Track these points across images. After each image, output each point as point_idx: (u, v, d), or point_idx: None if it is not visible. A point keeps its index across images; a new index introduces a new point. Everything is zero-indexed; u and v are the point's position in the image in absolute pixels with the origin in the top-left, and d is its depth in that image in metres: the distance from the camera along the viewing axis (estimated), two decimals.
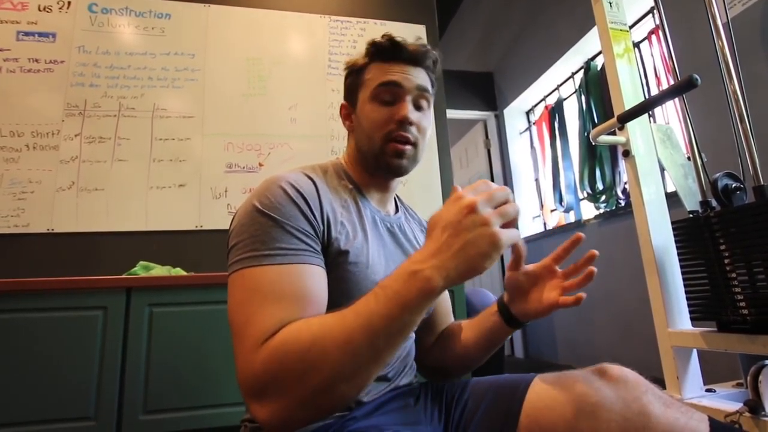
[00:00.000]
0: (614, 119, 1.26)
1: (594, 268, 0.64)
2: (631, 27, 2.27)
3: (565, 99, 3.11)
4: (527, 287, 0.69)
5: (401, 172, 0.70)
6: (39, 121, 1.98)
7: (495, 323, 0.72)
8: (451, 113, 3.45)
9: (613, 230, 2.49)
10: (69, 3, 2.12)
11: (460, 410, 0.66)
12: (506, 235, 0.44)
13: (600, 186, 2.64)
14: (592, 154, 2.69)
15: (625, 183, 2.50)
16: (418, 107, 0.71)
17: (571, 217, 3.01)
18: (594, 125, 2.63)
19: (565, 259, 0.68)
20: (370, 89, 0.70)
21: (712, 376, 1.22)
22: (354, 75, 0.74)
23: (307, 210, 0.59)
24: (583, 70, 2.84)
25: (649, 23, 2.42)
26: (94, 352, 1.42)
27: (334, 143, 2.30)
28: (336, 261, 0.60)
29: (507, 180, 3.62)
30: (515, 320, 0.71)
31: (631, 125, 1.26)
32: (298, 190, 0.60)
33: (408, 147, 0.68)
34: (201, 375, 1.48)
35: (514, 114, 3.67)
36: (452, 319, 0.85)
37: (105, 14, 2.16)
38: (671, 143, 1.25)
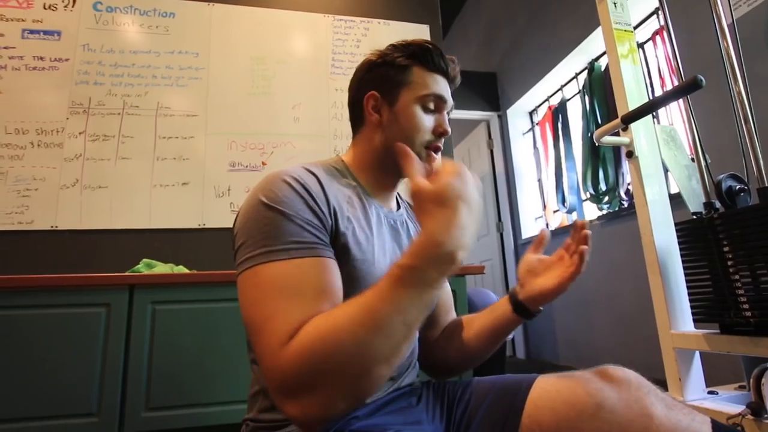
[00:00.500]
0: (618, 120, 1.25)
1: (588, 231, 0.72)
2: (635, 27, 2.27)
3: (568, 99, 3.10)
4: (539, 271, 0.74)
5: None
6: (43, 118, 1.99)
7: (505, 312, 0.74)
8: (454, 113, 3.43)
9: (616, 231, 2.48)
10: (74, 1, 2.13)
11: (461, 410, 0.66)
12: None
13: (603, 187, 2.63)
14: (595, 154, 2.69)
15: (629, 184, 2.49)
16: None
17: (574, 218, 3.01)
18: (597, 126, 2.62)
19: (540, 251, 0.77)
20: (419, 94, 0.70)
21: (714, 378, 1.21)
22: (393, 70, 0.72)
23: (314, 203, 0.59)
24: (586, 71, 2.83)
25: (653, 24, 2.41)
26: (96, 349, 1.43)
27: (336, 142, 2.30)
28: (343, 256, 0.60)
29: (510, 180, 3.61)
30: (525, 309, 0.72)
31: (635, 126, 1.25)
32: (302, 185, 0.60)
33: (439, 156, 0.73)
34: (203, 373, 1.48)
35: (518, 114, 3.66)
36: (454, 315, 0.85)
37: (110, 13, 2.17)
38: (675, 144, 1.25)
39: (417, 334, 0.51)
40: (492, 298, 1.85)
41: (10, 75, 1.99)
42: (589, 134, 2.71)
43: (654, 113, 1.26)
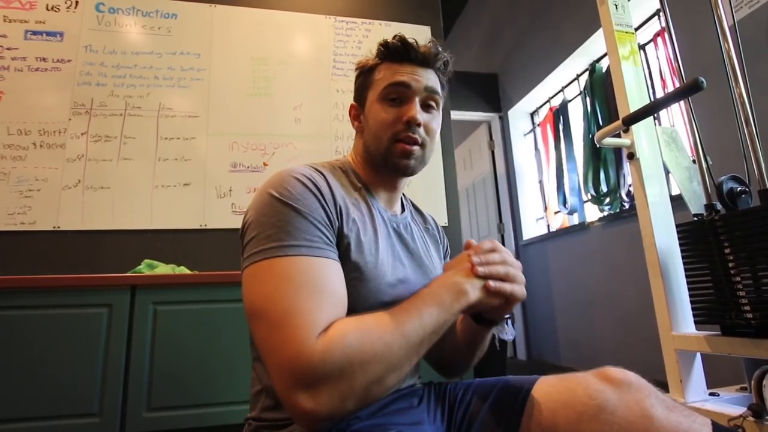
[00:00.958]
0: (619, 122, 1.25)
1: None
2: (636, 29, 2.27)
3: (569, 101, 3.10)
4: None
5: (408, 172, 0.71)
6: (46, 119, 2.00)
7: (468, 322, 0.72)
8: (456, 114, 3.45)
9: (617, 233, 2.48)
10: (76, 3, 2.14)
11: (462, 411, 0.66)
12: (522, 289, 0.62)
13: (604, 188, 2.63)
14: (596, 156, 2.68)
15: (630, 185, 2.49)
16: (426, 108, 0.71)
17: (575, 219, 3.01)
18: (599, 127, 2.62)
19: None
20: (379, 89, 0.70)
21: (715, 379, 1.21)
22: (364, 75, 0.74)
23: (324, 202, 0.59)
24: (588, 72, 2.83)
25: (654, 25, 2.41)
26: (98, 349, 1.43)
27: (338, 143, 2.31)
28: (346, 257, 0.61)
29: (511, 181, 3.61)
30: (480, 317, 0.69)
31: (636, 128, 1.25)
32: (313, 182, 0.60)
33: (415, 147, 0.68)
34: (204, 373, 1.48)
35: (519, 115, 3.66)
36: None
37: (112, 14, 2.17)
38: (676, 146, 1.25)
39: (425, 351, 0.55)
40: None
41: (12, 76, 2.00)
42: (591, 136, 2.71)
43: (655, 115, 1.26)
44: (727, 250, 0.97)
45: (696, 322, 1.12)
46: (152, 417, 1.42)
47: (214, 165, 2.13)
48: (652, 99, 1.22)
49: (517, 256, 3.50)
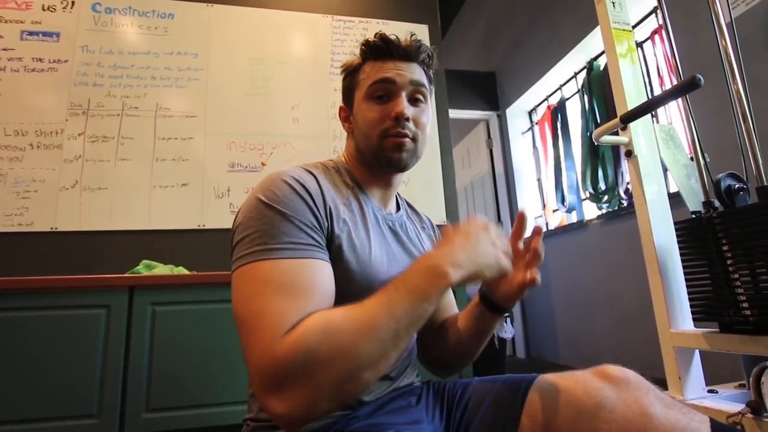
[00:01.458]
0: (617, 119, 1.26)
1: (538, 234, 0.67)
2: (634, 27, 2.27)
3: (567, 99, 3.10)
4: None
5: (402, 166, 0.70)
6: (43, 120, 1.99)
7: (480, 311, 0.73)
8: (454, 113, 3.45)
9: (616, 230, 2.49)
10: (73, 3, 2.13)
11: (461, 410, 0.66)
12: (507, 260, 0.59)
13: (602, 186, 2.63)
14: (594, 154, 2.69)
15: (628, 183, 2.49)
16: (414, 102, 0.70)
17: (573, 218, 3.01)
18: (597, 125, 2.63)
19: (522, 237, 0.70)
20: (365, 88, 0.70)
21: (714, 377, 1.22)
22: (350, 76, 0.75)
23: (313, 204, 0.59)
24: (585, 70, 2.84)
25: (652, 23, 2.41)
26: (97, 350, 1.43)
27: (336, 143, 2.30)
28: (338, 257, 0.60)
29: (509, 180, 3.61)
30: (496, 306, 0.71)
31: (634, 125, 1.25)
32: (302, 185, 0.60)
33: (407, 140, 0.68)
34: (203, 374, 1.48)
35: (517, 114, 3.66)
36: (455, 311, 0.85)
37: (108, 14, 2.17)
38: (674, 143, 1.25)
39: (409, 343, 0.53)
40: None
41: (9, 76, 1.99)
42: (588, 133, 2.72)
43: (653, 112, 1.26)
44: (725, 248, 0.97)
45: (694, 320, 1.12)
46: (151, 417, 1.42)
47: (212, 165, 2.13)
48: (650, 97, 1.22)
49: None
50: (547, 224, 3.34)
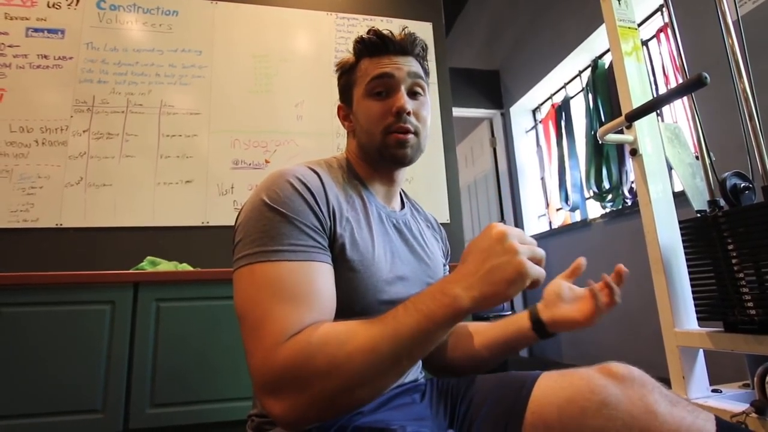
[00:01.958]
0: (622, 118, 1.25)
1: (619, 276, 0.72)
2: (639, 25, 2.26)
3: (572, 97, 3.09)
4: (567, 299, 0.72)
5: (406, 161, 0.70)
6: (48, 116, 2.00)
7: (522, 328, 0.73)
8: (457, 111, 3.44)
9: (620, 229, 2.48)
10: (78, 0, 2.14)
11: (465, 406, 0.66)
12: (533, 267, 0.47)
13: (606, 185, 2.62)
14: (598, 152, 2.68)
15: (632, 182, 2.48)
16: (413, 96, 0.70)
17: (577, 216, 3.00)
18: (601, 124, 2.62)
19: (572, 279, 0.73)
20: (363, 85, 0.70)
21: (718, 376, 1.21)
22: (346, 75, 0.74)
23: (315, 205, 0.59)
24: (590, 68, 2.82)
25: (657, 21, 2.40)
26: (101, 346, 1.44)
27: (340, 140, 2.31)
28: (340, 256, 0.61)
29: (513, 178, 3.61)
30: (545, 329, 0.71)
31: (639, 124, 1.25)
32: (305, 185, 0.60)
33: (409, 135, 0.68)
34: (207, 370, 1.49)
35: (521, 112, 3.65)
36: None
37: (113, 11, 2.17)
38: (679, 142, 1.24)
39: (408, 368, 0.51)
40: None
41: (14, 73, 2.00)
42: (593, 132, 2.70)
43: (658, 111, 1.26)
44: (730, 247, 0.97)
45: (699, 319, 1.12)
46: (155, 413, 1.43)
47: (216, 162, 2.13)
48: (655, 95, 1.21)
49: None
50: (550, 223, 3.34)
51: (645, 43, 2.42)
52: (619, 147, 2.54)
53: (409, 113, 0.68)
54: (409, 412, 0.63)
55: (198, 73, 2.20)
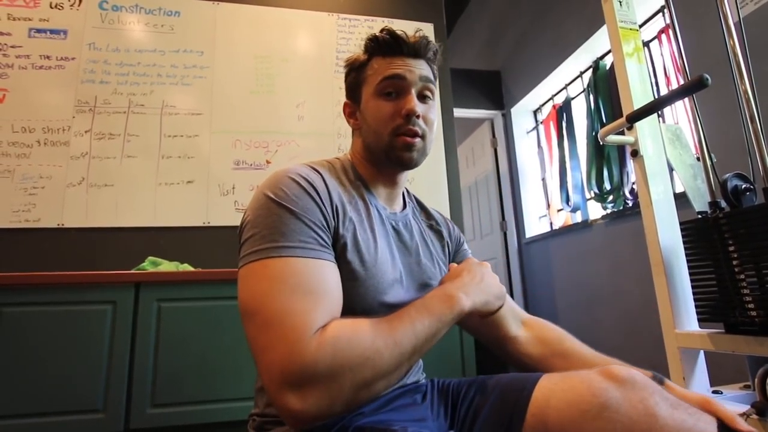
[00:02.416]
0: (623, 119, 1.25)
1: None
2: (641, 26, 2.26)
3: (573, 98, 3.09)
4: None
5: (412, 165, 0.70)
6: (50, 117, 2.01)
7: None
8: (458, 112, 3.44)
9: (621, 230, 2.48)
10: (80, 0, 2.14)
11: (466, 408, 0.66)
12: (503, 290, 0.68)
13: (607, 186, 2.62)
14: (599, 153, 2.67)
15: (633, 183, 2.48)
16: (423, 99, 0.70)
17: (578, 217, 3.00)
18: (602, 125, 2.61)
19: None
20: (374, 84, 0.69)
21: (719, 377, 1.21)
22: (355, 72, 0.74)
23: (321, 203, 0.59)
24: (591, 69, 2.82)
25: (659, 22, 2.39)
26: (102, 346, 1.44)
27: (341, 141, 2.31)
28: (342, 256, 0.61)
29: (513, 179, 3.60)
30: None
31: (640, 125, 1.25)
32: (310, 183, 0.60)
33: (417, 139, 0.68)
34: (208, 370, 1.49)
35: (522, 113, 3.65)
36: (522, 313, 0.81)
37: (115, 12, 2.18)
38: (680, 143, 1.24)
39: (415, 363, 0.58)
40: None
41: (16, 74, 2.01)
42: (594, 133, 2.70)
43: (659, 112, 1.26)
44: (731, 248, 0.97)
45: (699, 320, 1.12)
46: (156, 413, 1.43)
47: (217, 163, 2.14)
48: (656, 96, 1.21)
49: (520, 254, 3.50)
50: (551, 224, 3.33)
51: (646, 44, 2.42)
52: (620, 148, 2.54)
53: (418, 116, 0.68)
54: (410, 413, 0.63)
55: (199, 74, 2.21)
